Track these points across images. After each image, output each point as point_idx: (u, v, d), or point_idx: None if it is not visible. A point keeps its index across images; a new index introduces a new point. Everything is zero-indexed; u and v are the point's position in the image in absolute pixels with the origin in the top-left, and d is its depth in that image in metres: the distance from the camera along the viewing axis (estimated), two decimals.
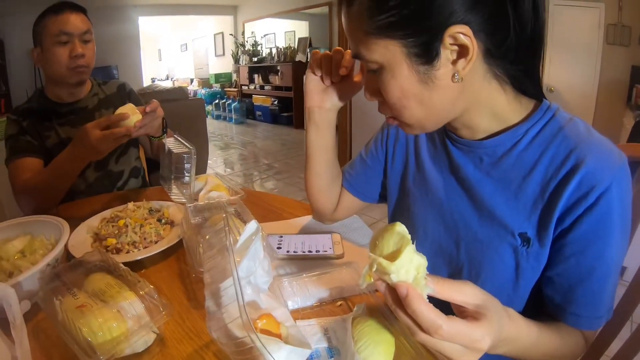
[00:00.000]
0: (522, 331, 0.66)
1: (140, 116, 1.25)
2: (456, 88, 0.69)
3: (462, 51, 0.64)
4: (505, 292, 0.78)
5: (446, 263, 0.85)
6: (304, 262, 1.02)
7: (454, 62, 0.65)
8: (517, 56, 0.69)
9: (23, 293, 0.81)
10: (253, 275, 0.71)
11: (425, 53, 0.65)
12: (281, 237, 1.11)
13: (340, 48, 0.89)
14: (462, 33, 0.62)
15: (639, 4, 4.31)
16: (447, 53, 0.64)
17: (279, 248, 1.05)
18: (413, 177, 0.95)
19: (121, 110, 1.24)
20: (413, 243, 0.53)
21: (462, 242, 0.83)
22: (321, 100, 0.97)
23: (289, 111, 8.72)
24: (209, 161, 5.19)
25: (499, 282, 0.78)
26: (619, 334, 1.01)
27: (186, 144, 1.32)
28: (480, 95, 0.73)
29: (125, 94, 1.79)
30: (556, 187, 0.71)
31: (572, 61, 4.29)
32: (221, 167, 6.12)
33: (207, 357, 0.75)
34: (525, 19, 0.66)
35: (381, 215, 3.67)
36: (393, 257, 0.53)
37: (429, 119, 0.74)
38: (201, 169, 4.62)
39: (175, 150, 1.30)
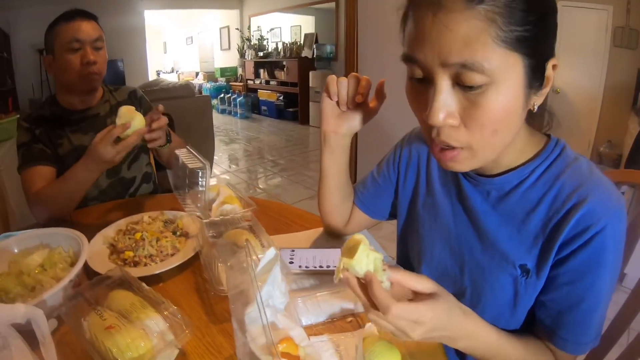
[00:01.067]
0: (481, 329, 0.73)
1: (141, 117, 1.28)
2: (522, 118, 0.70)
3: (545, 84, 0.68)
4: (504, 317, 0.84)
5: (451, 284, 0.90)
6: (316, 277, 1.07)
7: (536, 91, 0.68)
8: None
9: (47, 309, 0.83)
10: (272, 298, 0.77)
11: (537, 76, 0.66)
12: (293, 251, 1.16)
13: (357, 74, 0.92)
14: (554, 65, 0.67)
15: None
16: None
17: (291, 262, 1.10)
18: (423, 201, 0.99)
19: (120, 114, 1.25)
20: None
21: (466, 267, 0.88)
22: (337, 126, 1.00)
23: (295, 107, 8.75)
24: (214, 157, 5.22)
25: (498, 307, 0.84)
26: (617, 341, 1.06)
27: (200, 158, 1.35)
28: (516, 134, 0.73)
29: (137, 101, 1.81)
30: (557, 223, 0.75)
31: (579, 63, 4.29)
32: (226, 162, 6.16)
33: None
34: None
35: (391, 230, 3.70)
36: (352, 255, 0.64)
37: (498, 151, 0.72)
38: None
39: (190, 165, 1.33)
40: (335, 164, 1.06)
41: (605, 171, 0.80)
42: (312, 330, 0.89)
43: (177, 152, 1.45)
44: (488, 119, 0.64)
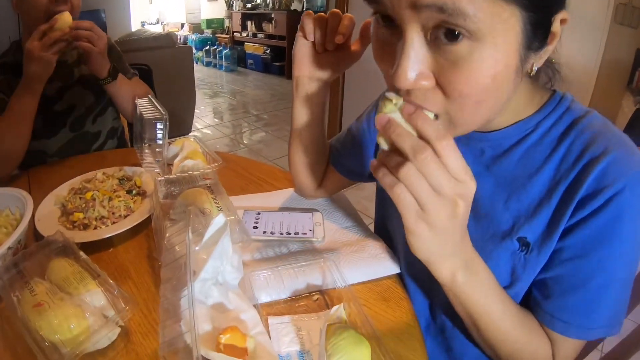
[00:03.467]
0: (484, 265, 0.63)
1: (67, 14, 1.26)
2: (516, 83, 0.56)
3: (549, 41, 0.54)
4: None
5: None
6: (282, 245, 0.95)
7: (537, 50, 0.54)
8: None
9: None
10: (221, 274, 0.64)
11: (539, 34, 0.51)
12: (259, 214, 1.03)
13: (337, 10, 0.79)
14: (564, 20, 0.52)
15: None
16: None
17: (255, 227, 0.98)
18: None
19: (60, 17, 1.23)
20: None
21: None
22: (312, 70, 0.86)
23: (282, 61, 8.49)
24: (196, 110, 5.07)
25: None
26: None
27: (159, 107, 1.23)
28: (512, 93, 0.59)
29: (108, 47, 1.66)
30: (567, 189, 0.63)
31: (576, 36, 4.15)
32: (210, 116, 5.99)
33: None
34: None
35: (370, 193, 3.62)
36: None
37: (482, 120, 0.58)
38: (188, 120, 4.52)
39: (146, 115, 1.21)
40: (308, 115, 0.92)
41: None
42: (271, 309, 0.78)
43: (136, 101, 1.34)
44: (470, 87, 0.51)
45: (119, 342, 0.71)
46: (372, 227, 1.06)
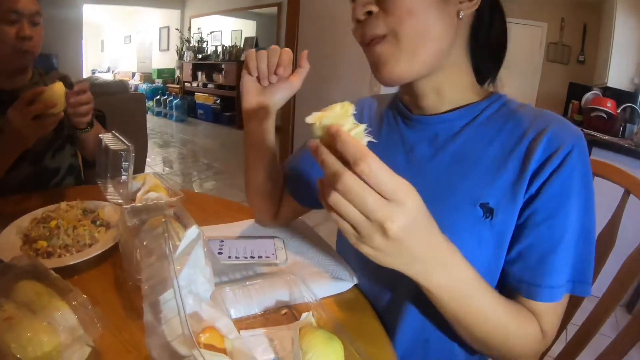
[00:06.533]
0: (460, 261, 0.62)
1: (63, 92, 1.22)
2: (453, 28, 0.73)
3: None
4: None
5: None
6: (248, 269, 0.97)
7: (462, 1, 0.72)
8: (489, 52, 0.81)
9: None
10: (194, 284, 0.67)
11: None
12: (222, 241, 1.06)
13: (276, 46, 0.88)
14: None
15: (580, 25, 4.55)
16: None
17: (220, 253, 1.00)
18: None
19: (49, 89, 1.18)
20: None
21: None
22: (258, 101, 0.93)
23: (232, 110, 8.59)
24: (147, 159, 5.02)
25: None
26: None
27: (124, 140, 1.25)
28: (458, 62, 0.79)
29: (67, 87, 1.66)
30: (522, 159, 0.72)
31: (514, 74, 4.42)
32: (160, 165, 5.94)
33: None
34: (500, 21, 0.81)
35: (322, 219, 3.66)
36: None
37: (423, 45, 0.71)
38: (140, 167, 4.45)
39: (112, 147, 1.22)
40: (259, 143, 0.98)
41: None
42: (242, 324, 0.80)
43: (100, 135, 1.34)
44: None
45: None
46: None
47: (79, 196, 1.26)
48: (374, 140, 0.51)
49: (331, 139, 0.49)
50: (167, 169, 5.81)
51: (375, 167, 0.47)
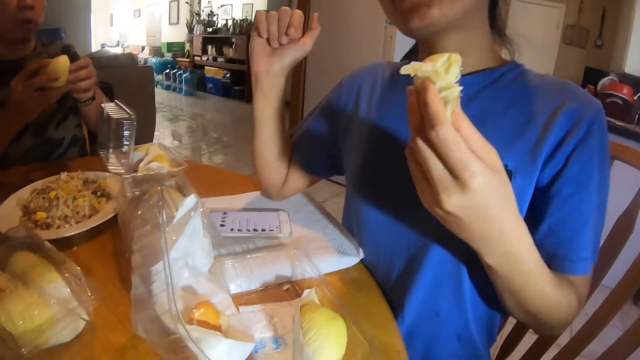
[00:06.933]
0: (525, 234, 0.60)
1: (67, 66, 1.18)
2: None
3: None
4: None
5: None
6: (249, 242, 0.94)
7: None
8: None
9: None
10: (191, 257, 0.63)
11: None
12: (225, 213, 1.03)
13: (287, 8, 0.85)
14: None
15: (599, 9, 4.43)
16: None
17: (222, 226, 0.97)
18: (376, 130, 0.91)
19: (53, 62, 1.14)
20: None
21: None
22: (269, 64, 0.91)
23: (241, 85, 8.51)
24: (156, 132, 4.99)
25: None
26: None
27: (126, 109, 1.21)
28: (481, 23, 0.78)
29: (70, 57, 1.61)
30: (544, 123, 0.72)
31: (530, 57, 4.33)
32: (169, 139, 5.91)
33: (140, 347, 0.65)
34: None
35: (331, 195, 3.63)
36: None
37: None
38: (148, 139, 4.42)
39: (114, 116, 1.19)
40: (269, 107, 0.96)
41: None
42: (242, 299, 0.76)
43: (103, 105, 1.31)
44: None
45: (85, 335, 0.67)
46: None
47: (81, 167, 1.23)
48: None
49: (422, 93, 0.47)
50: (176, 142, 5.78)
51: (446, 137, 0.46)
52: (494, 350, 0.99)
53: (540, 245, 0.69)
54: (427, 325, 0.84)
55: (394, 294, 0.85)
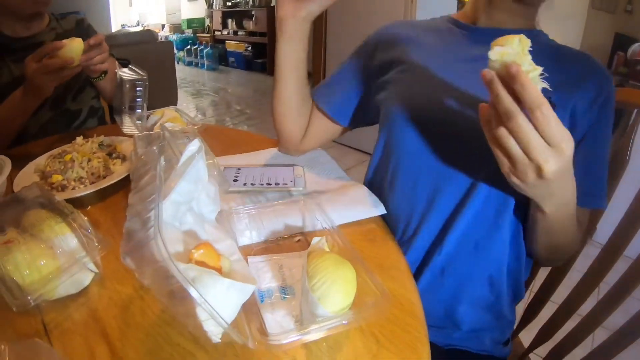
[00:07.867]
0: (575, 182, 0.68)
1: (81, 49, 1.15)
2: None
3: None
4: None
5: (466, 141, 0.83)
6: (261, 195, 0.92)
7: None
8: None
9: None
10: (195, 201, 0.60)
11: None
12: (239, 169, 1.00)
13: None
14: None
15: None
16: None
17: (235, 181, 0.95)
18: (412, 70, 0.93)
19: (68, 44, 1.12)
20: None
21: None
22: (295, 9, 0.88)
23: (263, 57, 8.44)
24: (179, 107, 5.02)
25: None
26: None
27: (139, 71, 1.20)
28: None
29: (84, 30, 1.63)
30: (574, 76, 0.81)
31: (557, 22, 4.20)
32: (192, 113, 5.92)
33: (147, 298, 0.66)
34: None
35: (356, 162, 3.59)
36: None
37: None
38: None
39: (127, 78, 1.18)
40: (293, 53, 0.94)
41: None
42: (252, 250, 0.75)
43: (116, 70, 1.33)
44: None
45: (93, 287, 0.68)
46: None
47: (98, 135, 1.23)
48: (549, 88, 0.55)
49: (509, 78, 0.53)
50: (200, 116, 5.79)
51: (548, 114, 0.53)
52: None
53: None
54: (464, 257, 0.86)
55: (429, 230, 0.87)
